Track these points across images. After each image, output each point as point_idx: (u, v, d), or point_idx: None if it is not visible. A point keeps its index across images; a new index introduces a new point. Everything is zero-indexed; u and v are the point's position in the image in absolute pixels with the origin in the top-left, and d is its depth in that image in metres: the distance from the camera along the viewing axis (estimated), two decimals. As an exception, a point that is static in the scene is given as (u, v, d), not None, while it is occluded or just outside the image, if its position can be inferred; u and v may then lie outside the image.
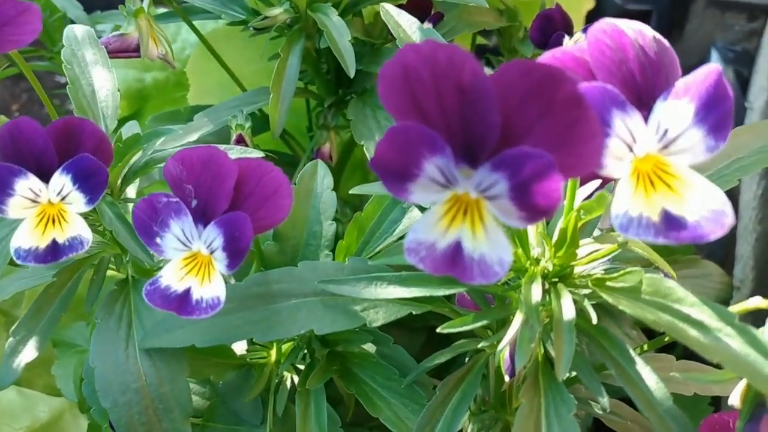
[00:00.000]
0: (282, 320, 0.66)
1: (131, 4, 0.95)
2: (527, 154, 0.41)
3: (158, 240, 0.60)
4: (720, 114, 0.46)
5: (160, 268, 0.64)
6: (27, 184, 0.63)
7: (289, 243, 0.76)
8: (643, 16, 2.11)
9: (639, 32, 0.50)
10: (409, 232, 0.48)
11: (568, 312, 0.55)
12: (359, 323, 0.66)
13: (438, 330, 0.62)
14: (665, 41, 0.51)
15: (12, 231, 0.66)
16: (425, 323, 0.99)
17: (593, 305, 0.58)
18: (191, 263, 0.61)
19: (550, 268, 0.59)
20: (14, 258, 0.64)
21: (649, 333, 0.80)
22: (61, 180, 0.63)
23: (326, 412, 0.72)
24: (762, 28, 1.91)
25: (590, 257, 0.59)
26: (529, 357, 0.56)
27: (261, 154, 0.75)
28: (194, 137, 0.89)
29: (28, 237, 0.64)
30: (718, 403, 1.14)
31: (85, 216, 0.71)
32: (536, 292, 0.56)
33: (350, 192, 0.70)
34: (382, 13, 0.71)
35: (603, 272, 0.60)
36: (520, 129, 0.42)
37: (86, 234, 0.64)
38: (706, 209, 0.44)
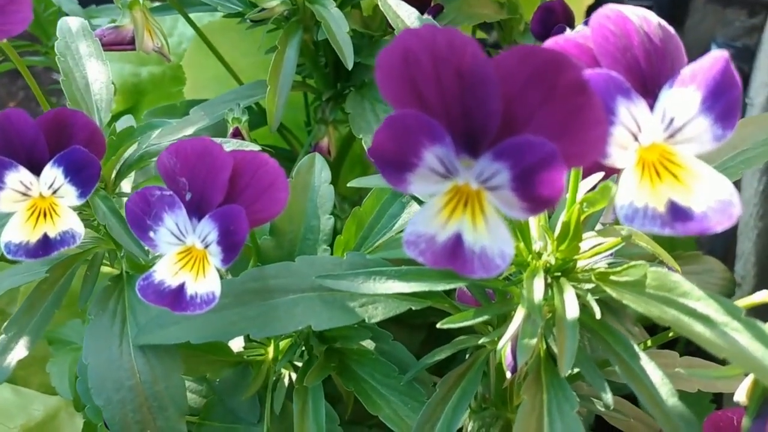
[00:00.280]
0: (279, 316, 0.64)
1: (126, -5, 0.93)
2: (530, 142, 0.39)
3: (152, 234, 0.59)
4: (727, 102, 0.44)
5: (155, 264, 0.63)
6: (17, 176, 0.62)
7: (286, 237, 0.75)
8: (643, 12, 2.09)
9: (643, 18, 0.49)
10: (408, 225, 0.47)
11: (571, 307, 0.54)
12: (357, 319, 0.65)
13: (438, 326, 0.61)
14: (670, 28, 0.50)
15: (2, 225, 0.64)
16: (425, 320, 0.98)
17: (596, 301, 0.57)
18: (185, 258, 0.59)
19: (553, 262, 0.58)
20: (4, 252, 0.63)
21: (652, 330, 0.79)
22: (52, 173, 0.62)
23: (324, 409, 0.71)
24: (762, 23, 1.90)
25: (593, 251, 0.58)
26: (531, 353, 0.55)
27: (257, 148, 0.74)
28: (190, 131, 0.88)
29: (18, 231, 0.62)
30: (720, 400, 1.13)
31: (79, 210, 0.70)
32: (538, 287, 0.55)
33: (348, 185, 0.68)
34: (380, 4, 0.70)
35: (606, 266, 0.59)
36: (522, 116, 0.40)
37: (78, 228, 0.62)
38: (713, 200, 0.43)
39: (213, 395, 0.83)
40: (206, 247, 0.58)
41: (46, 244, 0.62)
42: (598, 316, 0.55)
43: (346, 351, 0.74)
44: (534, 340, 0.54)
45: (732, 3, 1.97)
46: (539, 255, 0.59)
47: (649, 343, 0.68)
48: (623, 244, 0.58)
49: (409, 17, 0.69)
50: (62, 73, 0.81)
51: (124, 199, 0.74)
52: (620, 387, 0.61)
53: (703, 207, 0.43)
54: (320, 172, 0.77)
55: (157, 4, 1.05)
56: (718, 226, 0.42)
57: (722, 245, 1.53)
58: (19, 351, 0.71)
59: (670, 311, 0.51)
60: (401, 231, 0.77)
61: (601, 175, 0.58)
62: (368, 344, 0.75)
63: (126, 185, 0.81)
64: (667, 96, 0.46)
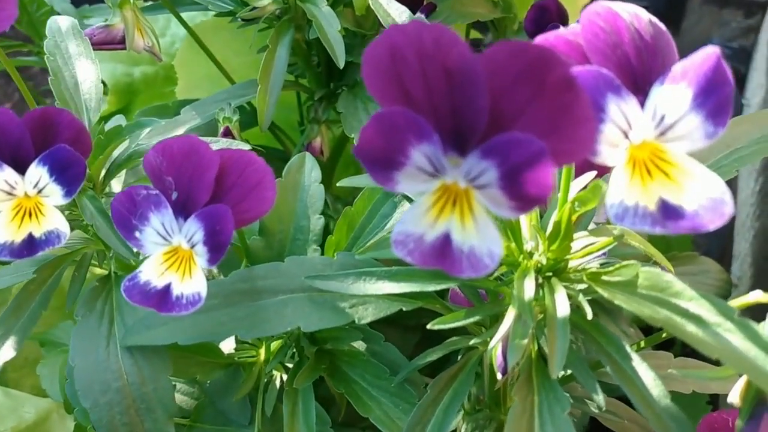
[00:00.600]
0: (268, 317, 0.64)
1: (116, -6, 0.92)
2: (517, 140, 0.39)
3: (137, 234, 0.58)
4: (719, 99, 0.44)
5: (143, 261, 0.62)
6: (2, 176, 0.61)
7: (276, 238, 0.74)
8: (639, 12, 2.09)
9: (634, 15, 0.49)
10: (396, 224, 0.46)
11: (562, 307, 0.53)
12: (347, 320, 0.64)
13: (428, 326, 0.60)
14: (661, 24, 0.49)
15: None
16: (419, 321, 0.97)
17: (588, 301, 0.57)
18: (172, 258, 0.59)
19: (544, 262, 0.57)
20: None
21: (647, 331, 0.79)
22: (37, 172, 0.61)
23: (315, 411, 0.70)
24: (759, 24, 1.90)
25: (585, 251, 0.58)
26: (521, 354, 0.54)
27: (247, 147, 0.73)
28: (181, 130, 0.87)
29: (3, 231, 0.62)
30: (716, 401, 1.13)
31: (68, 210, 0.69)
32: (529, 287, 0.54)
33: (338, 184, 0.68)
34: (371, 2, 0.69)
35: (598, 266, 0.58)
36: (511, 113, 0.40)
37: (64, 228, 0.62)
38: (704, 198, 0.42)
39: (204, 397, 0.83)
40: (192, 247, 0.57)
41: (31, 244, 0.61)
42: (589, 316, 0.54)
43: (336, 352, 0.73)
44: (525, 341, 0.54)
45: (728, 4, 1.97)
46: (531, 255, 0.58)
47: (642, 344, 0.67)
48: (617, 244, 0.57)
49: (400, 16, 0.68)
50: (51, 72, 0.80)
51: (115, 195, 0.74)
52: (614, 388, 0.60)
53: (695, 205, 0.42)
54: (310, 171, 0.76)
55: (148, 3, 1.05)
56: (710, 225, 0.42)
57: (719, 246, 1.53)
58: (6, 352, 0.71)
59: (663, 311, 0.51)
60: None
61: (593, 173, 0.58)
62: (359, 345, 0.74)
63: (116, 185, 0.81)
64: (658, 93, 0.45)
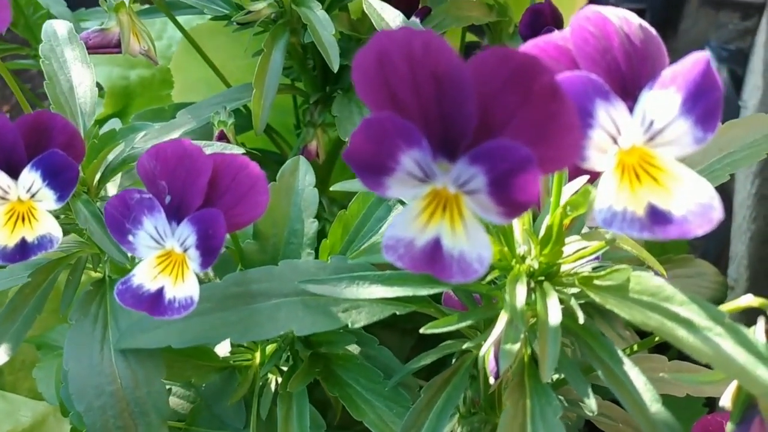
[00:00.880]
0: (261, 321, 0.64)
1: (112, -2, 0.93)
2: (505, 147, 0.39)
3: (131, 238, 0.58)
4: (708, 104, 0.44)
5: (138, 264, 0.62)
6: (-5, 180, 0.61)
7: (270, 241, 0.74)
8: (636, 15, 2.09)
9: (624, 19, 0.49)
10: (387, 229, 0.46)
11: (554, 312, 0.53)
12: (340, 324, 0.64)
13: (421, 331, 0.60)
14: (651, 29, 0.49)
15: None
16: (416, 324, 0.98)
17: (583, 304, 0.57)
18: (165, 262, 0.59)
19: (536, 266, 0.57)
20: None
21: (642, 333, 0.79)
22: (30, 176, 0.61)
23: (309, 415, 0.70)
24: (756, 26, 1.90)
25: (577, 255, 0.58)
26: (513, 358, 0.54)
27: (241, 151, 0.73)
28: (176, 134, 0.88)
29: (-4, 235, 0.62)
30: (712, 403, 1.13)
31: (63, 214, 0.69)
32: (521, 292, 0.54)
33: (332, 188, 0.68)
34: (365, 6, 0.69)
35: (591, 270, 0.58)
36: (499, 120, 0.40)
37: (56, 232, 0.62)
38: (693, 203, 0.42)
39: (199, 401, 0.83)
40: (185, 251, 0.57)
41: (24, 249, 0.61)
42: (581, 320, 0.54)
43: (331, 356, 0.73)
44: (517, 346, 0.54)
45: (725, 6, 1.97)
46: (523, 259, 0.58)
47: (636, 347, 0.67)
48: (611, 246, 0.57)
49: (394, 20, 0.68)
50: (47, 76, 0.80)
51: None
52: (609, 391, 0.60)
53: (683, 210, 0.43)
54: (304, 175, 0.76)
55: (144, 7, 1.05)
56: (698, 230, 0.42)
57: (715, 248, 1.53)
58: (1, 356, 0.70)
59: (654, 316, 0.51)
60: (387, 234, 0.76)
61: (586, 177, 0.58)
62: (354, 349, 0.74)
63: (111, 189, 0.81)
64: (647, 98, 0.45)
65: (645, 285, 0.52)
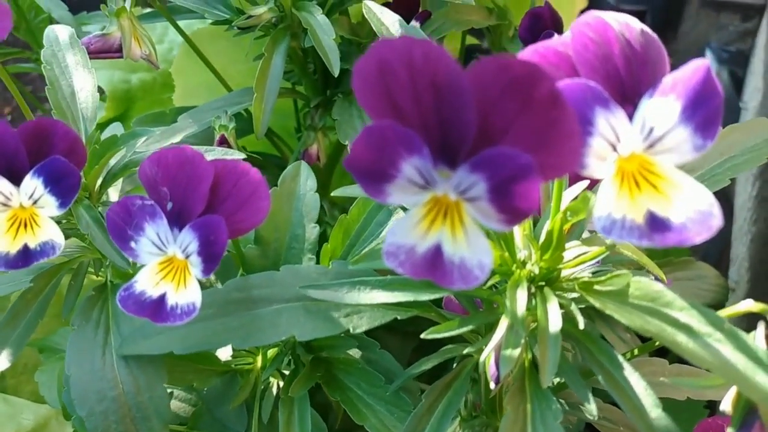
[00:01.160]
0: (262, 326, 0.64)
1: (113, 3, 0.93)
2: (505, 154, 0.39)
3: (133, 244, 0.58)
4: (708, 111, 0.44)
5: (140, 270, 0.62)
6: (-3, 187, 0.62)
7: (271, 246, 0.74)
8: (637, 16, 2.09)
9: (625, 25, 0.49)
10: (387, 236, 0.46)
11: (554, 317, 0.54)
12: (342, 329, 0.64)
13: (422, 336, 0.60)
14: (653, 34, 0.49)
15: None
16: (417, 327, 0.98)
17: (583, 308, 0.57)
18: (167, 268, 0.59)
19: (537, 271, 0.57)
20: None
21: (644, 336, 0.79)
22: (32, 183, 0.61)
23: (310, 419, 0.71)
24: (756, 28, 1.90)
25: (578, 260, 0.58)
26: (513, 364, 0.54)
27: (241, 155, 0.73)
28: (177, 138, 0.88)
29: (-2, 242, 0.62)
30: (713, 405, 1.13)
31: (63, 220, 0.69)
32: (521, 297, 0.54)
33: (333, 194, 0.68)
34: (364, 11, 0.69)
35: (591, 275, 0.59)
36: (499, 128, 0.40)
37: (59, 239, 0.62)
38: (692, 210, 0.43)
39: (201, 404, 0.83)
40: (187, 257, 0.58)
41: (26, 255, 0.62)
42: (581, 326, 0.54)
43: (332, 360, 0.73)
44: (517, 351, 0.54)
45: (726, 7, 1.97)
46: (524, 264, 0.58)
47: (636, 351, 0.67)
48: (612, 250, 0.57)
49: (393, 24, 0.69)
50: (48, 81, 0.81)
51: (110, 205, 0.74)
52: (609, 394, 0.60)
53: (683, 218, 0.43)
54: (305, 180, 0.76)
55: (145, 11, 1.05)
56: (697, 238, 0.42)
57: (716, 250, 1.53)
58: (3, 362, 0.71)
59: (653, 321, 0.51)
60: (388, 239, 0.76)
61: (587, 182, 0.58)
62: (355, 353, 0.74)
63: (113, 193, 0.81)
64: (646, 105, 0.45)
65: (645, 290, 0.52)
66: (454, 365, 0.68)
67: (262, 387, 0.78)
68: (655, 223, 0.43)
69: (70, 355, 0.69)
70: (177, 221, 0.57)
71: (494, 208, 0.42)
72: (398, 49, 0.40)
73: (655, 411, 0.51)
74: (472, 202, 0.43)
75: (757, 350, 0.47)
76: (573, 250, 0.59)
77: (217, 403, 0.80)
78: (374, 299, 0.61)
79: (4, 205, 0.62)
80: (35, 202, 0.62)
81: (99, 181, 0.76)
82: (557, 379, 0.68)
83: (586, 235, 0.61)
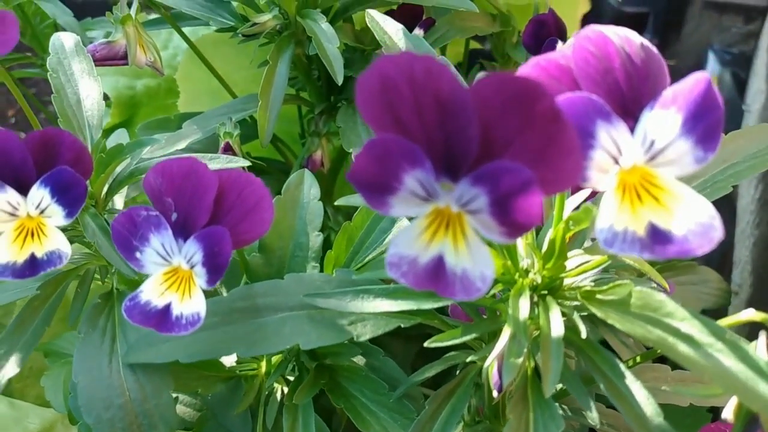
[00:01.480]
0: (267, 335, 0.64)
1: (118, 11, 0.93)
2: (507, 168, 0.40)
3: (138, 255, 0.59)
4: (708, 124, 0.44)
5: (145, 278, 0.63)
6: (5, 197, 0.62)
7: (275, 254, 0.75)
8: (639, 19, 2.10)
9: (626, 39, 0.49)
10: (390, 246, 0.47)
11: (556, 326, 0.54)
12: (346, 337, 0.65)
13: (426, 344, 0.61)
14: (653, 48, 0.50)
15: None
16: (421, 331, 0.98)
17: (586, 315, 0.57)
18: (172, 278, 0.59)
19: (539, 280, 0.58)
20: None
21: (645, 343, 0.79)
22: (39, 193, 0.62)
23: (314, 426, 0.71)
24: (759, 30, 1.90)
25: (580, 269, 0.58)
26: (516, 372, 0.55)
27: (247, 163, 0.74)
28: (182, 145, 0.88)
29: (5, 251, 0.62)
30: (717, 410, 1.13)
31: (70, 227, 0.70)
32: (524, 307, 0.55)
33: (336, 203, 0.68)
34: (367, 20, 0.70)
35: (593, 284, 0.59)
36: (500, 142, 0.40)
37: (65, 248, 0.62)
38: (694, 222, 0.43)
39: (206, 409, 0.83)
40: (192, 267, 0.58)
41: (33, 264, 0.62)
42: (584, 335, 0.55)
43: (336, 367, 0.74)
44: (519, 360, 0.54)
45: (728, 9, 1.97)
46: (526, 272, 0.59)
47: (638, 359, 0.68)
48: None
49: (396, 33, 0.69)
50: (54, 89, 0.81)
51: (116, 215, 0.75)
52: (611, 400, 0.61)
53: (684, 230, 0.43)
54: (309, 188, 0.77)
55: (150, 17, 1.05)
56: (698, 250, 0.42)
57: (719, 254, 1.53)
58: (10, 368, 0.71)
59: (655, 331, 0.51)
60: (392, 246, 0.76)
61: (589, 191, 0.58)
62: (359, 360, 0.75)
63: (118, 200, 0.81)
64: (648, 118, 0.46)
65: (646, 300, 0.53)
66: (458, 372, 0.69)
67: (267, 393, 0.79)
68: (657, 236, 0.43)
69: (77, 363, 0.69)
70: (182, 232, 0.58)
71: (495, 221, 0.42)
72: (400, 64, 0.40)
73: (656, 419, 0.52)
74: (474, 214, 0.44)
75: (758, 360, 0.47)
76: (575, 258, 0.59)
77: (222, 409, 0.80)
78: (378, 308, 0.62)
79: (12, 214, 0.63)
80: (42, 212, 0.63)
81: (105, 189, 0.76)
82: (560, 386, 0.68)
83: (588, 243, 0.62)
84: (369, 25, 0.70)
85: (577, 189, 0.59)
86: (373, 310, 0.62)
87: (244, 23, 0.93)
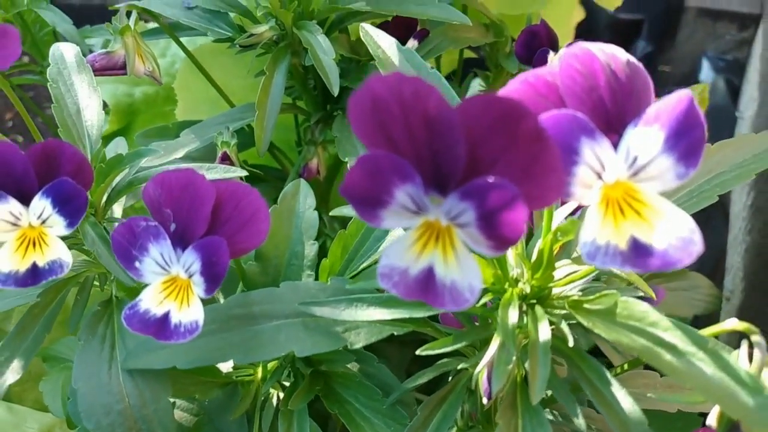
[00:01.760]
0: (263, 342, 0.66)
1: (117, 21, 0.95)
2: (492, 184, 0.41)
3: (137, 264, 0.60)
4: (690, 141, 0.46)
5: (145, 286, 0.64)
6: (7, 207, 0.63)
7: (272, 263, 0.76)
8: (634, 26, 2.11)
9: (611, 56, 0.50)
10: (381, 258, 0.48)
11: (544, 336, 0.55)
12: (340, 345, 0.66)
13: (417, 352, 0.62)
14: (639, 65, 0.51)
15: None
16: (416, 337, 1.00)
17: (575, 323, 0.59)
18: (170, 287, 0.61)
19: (528, 290, 0.59)
20: (-6, 282, 0.64)
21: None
22: (41, 204, 0.63)
23: (310, 430, 0.72)
24: (752, 37, 1.92)
25: (568, 279, 0.60)
26: (505, 380, 0.56)
27: (244, 173, 0.75)
28: (180, 154, 0.90)
29: (8, 260, 0.64)
30: (707, 414, 1.14)
31: (70, 235, 0.71)
32: (513, 315, 0.56)
33: (331, 214, 0.70)
34: (361, 34, 0.71)
35: (581, 293, 0.60)
36: (487, 160, 0.42)
37: (66, 257, 0.64)
38: (674, 237, 0.44)
39: (203, 414, 0.85)
40: (190, 276, 0.59)
41: (35, 273, 0.63)
42: (570, 343, 0.56)
43: (331, 374, 0.75)
44: (509, 367, 0.56)
45: (722, 17, 1.99)
46: (516, 282, 0.60)
47: (626, 366, 0.69)
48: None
49: (390, 47, 0.70)
50: (54, 99, 0.82)
51: (115, 224, 0.76)
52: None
53: (665, 244, 0.44)
54: (305, 198, 0.78)
55: (149, 26, 1.07)
56: (678, 263, 0.44)
57: (712, 260, 1.54)
58: (11, 375, 0.73)
59: (639, 340, 0.53)
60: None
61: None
62: (353, 366, 0.76)
63: (117, 209, 0.83)
64: (631, 135, 0.47)
65: (631, 310, 0.54)
66: (450, 378, 0.70)
67: (263, 398, 0.80)
68: (638, 249, 0.45)
69: (77, 369, 0.70)
70: (180, 242, 0.59)
71: (483, 235, 0.44)
72: (390, 86, 0.42)
73: (641, 427, 0.53)
74: (463, 227, 0.45)
75: (738, 370, 0.49)
76: (564, 268, 0.60)
77: (218, 414, 0.82)
78: (371, 316, 0.63)
79: (14, 224, 0.64)
80: (44, 222, 0.64)
81: (104, 198, 0.78)
82: (550, 392, 0.70)
83: (576, 253, 0.63)
84: (363, 39, 0.71)
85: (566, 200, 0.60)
86: (367, 318, 0.63)
87: (242, 34, 0.94)
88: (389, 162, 0.44)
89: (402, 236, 0.48)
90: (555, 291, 0.61)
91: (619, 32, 2.08)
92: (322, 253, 0.81)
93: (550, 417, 0.72)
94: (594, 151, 0.46)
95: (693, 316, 1.22)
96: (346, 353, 0.73)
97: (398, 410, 0.71)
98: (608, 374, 0.56)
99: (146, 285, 0.63)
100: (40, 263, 0.64)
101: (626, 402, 0.54)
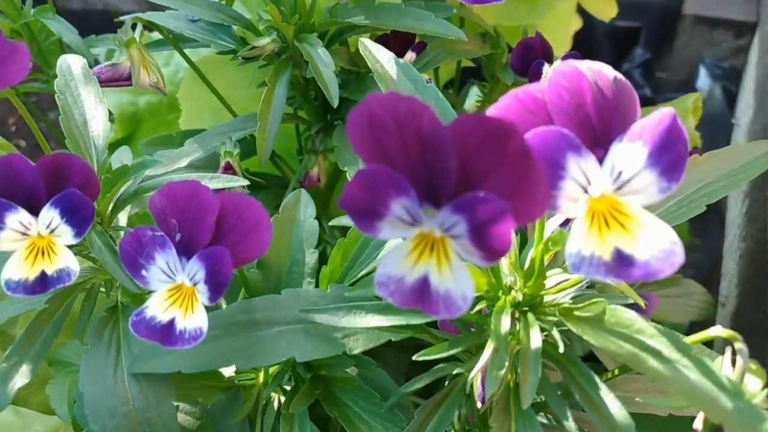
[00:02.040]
0: (265, 348, 0.68)
1: (123, 34, 0.97)
2: (482, 199, 0.43)
3: (144, 272, 0.62)
4: (672, 157, 0.48)
5: (149, 292, 0.66)
6: (17, 217, 0.66)
7: (273, 271, 0.79)
8: (632, 33, 2.14)
9: (599, 73, 0.52)
10: (378, 267, 0.50)
11: (535, 342, 0.57)
12: (340, 350, 0.68)
13: (414, 358, 0.64)
14: (626, 81, 0.53)
15: (2, 263, 0.68)
16: (415, 342, 1.02)
17: (566, 330, 0.61)
18: (176, 294, 0.63)
19: (521, 297, 0.61)
20: (4, 290, 0.66)
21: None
22: (49, 214, 0.66)
23: (310, 434, 0.74)
24: (748, 45, 1.94)
25: (559, 287, 0.62)
26: (498, 385, 0.58)
27: (246, 183, 0.78)
28: (183, 163, 0.92)
29: (18, 269, 0.66)
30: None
31: (77, 243, 0.74)
32: (505, 323, 0.58)
33: (330, 223, 0.72)
34: (360, 48, 0.73)
35: (571, 301, 0.63)
36: (477, 175, 0.44)
37: (74, 266, 0.66)
38: (656, 248, 0.47)
39: (206, 418, 0.87)
40: (194, 285, 0.62)
41: (43, 281, 0.66)
42: (561, 349, 0.58)
43: (330, 378, 0.77)
44: (502, 372, 0.58)
45: (719, 24, 2.01)
46: (509, 289, 0.62)
47: (617, 371, 0.71)
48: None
49: (388, 62, 0.72)
50: (61, 110, 0.84)
51: (120, 233, 0.79)
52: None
53: (647, 255, 0.47)
54: (305, 207, 0.80)
55: (155, 34, 1.09)
56: (659, 274, 0.46)
57: (708, 266, 1.57)
58: (20, 379, 0.74)
59: (626, 346, 0.55)
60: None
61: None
62: (352, 371, 0.78)
63: (122, 217, 0.85)
64: (616, 150, 0.49)
65: (619, 318, 0.56)
66: (446, 383, 0.72)
67: (264, 402, 0.82)
68: (622, 260, 0.47)
69: (84, 374, 0.72)
70: (185, 251, 0.62)
71: (474, 246, 0.46)
72: (386, 104, 0.44)
73: (627, 429, 0.55)
74: (455, 239, 0.47)
75: (720, 376, 0.51)
76: (555, 277, 0.63)
77: (221, 417, 0.84)
78: (370, 323, 0.65)
79: (24, 234, 0.67)
80: (52, 232, 0.66)
81: (110, 208, 0.80)
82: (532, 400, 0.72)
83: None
84: (362, 53, 0.73)
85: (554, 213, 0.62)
86: (365, 325, 0.65)
87: (244, 46, 0.96)
88: (385, 176, 0.47)
89: (398, 246, 0.50)
90: (547, 299, 0.63)
91: (617, 40, 2.10)
92: (323, 259, 0.83)
93: (544, 420, 0.74)
94: (580, 166, 0.48)
95: (689, 323, 1.24)
96: (346, 358, 0.75)
97: (396, 413, 0.73)
98: (597, 379, 0.58)
99: (151, 291, 0.65)
100: (49, 271, 0.66)
101: (614, 406, 0.56)
